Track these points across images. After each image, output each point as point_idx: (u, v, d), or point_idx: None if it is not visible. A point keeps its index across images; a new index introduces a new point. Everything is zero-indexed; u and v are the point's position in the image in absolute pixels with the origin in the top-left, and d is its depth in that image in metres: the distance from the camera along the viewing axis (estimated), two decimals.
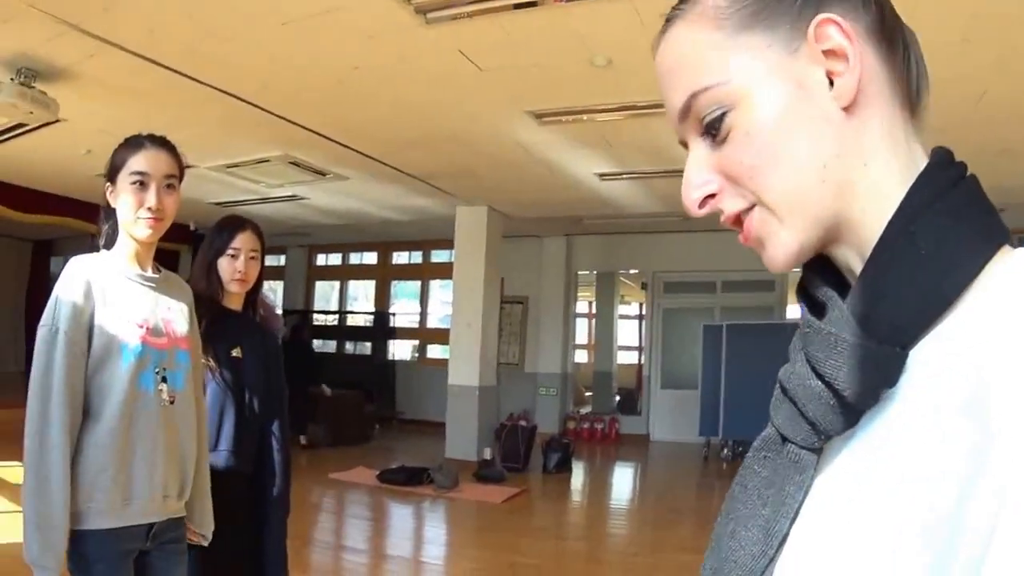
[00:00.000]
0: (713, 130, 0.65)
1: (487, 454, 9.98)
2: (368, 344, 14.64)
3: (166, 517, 2.20)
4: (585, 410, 13.71)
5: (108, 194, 2.18)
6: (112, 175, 2.16)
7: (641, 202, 9.63)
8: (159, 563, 2.21)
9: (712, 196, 0.68)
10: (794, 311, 13.30)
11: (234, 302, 2.80)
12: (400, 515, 7.69)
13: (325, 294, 15.81)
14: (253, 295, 2.89)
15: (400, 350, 14.69)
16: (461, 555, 6.32)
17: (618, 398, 13.79)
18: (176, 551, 2.27)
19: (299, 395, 10.87)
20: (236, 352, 2.74)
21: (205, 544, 2.45)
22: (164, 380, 2.15)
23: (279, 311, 12.34)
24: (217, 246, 2.76)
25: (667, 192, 8.86)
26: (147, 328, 2.14)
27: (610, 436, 12.78)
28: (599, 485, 9.97)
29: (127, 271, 2.17)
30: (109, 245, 2.21)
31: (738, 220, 0.67)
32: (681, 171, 0.70)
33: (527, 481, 9.27)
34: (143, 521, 2.12)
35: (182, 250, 12.37)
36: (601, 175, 8.25)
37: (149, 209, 2.11)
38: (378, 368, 13.99)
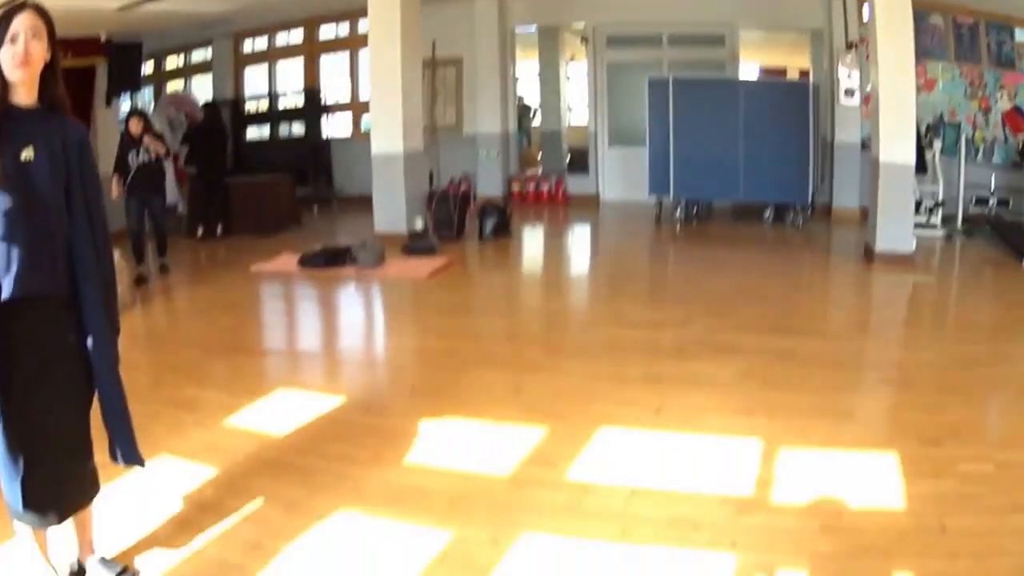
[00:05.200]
0: None
1: (418, 225, 9.44)
2: (300, 125, 13.81)
3: None
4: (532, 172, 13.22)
5: None
6: None
7: None
8: None
9: None
10: (748, 68, 12.75)
11: (24, 96, 2.37)
12: (317, 303, 7.28)
13: (258, 81, 14.69)
14: (48, 83, 2.43)
15: (338, 128, 13.90)
16: (373, 343, 5.92)
17: (568, 158, 13.36)
18: None
19: (215, 185, 10.21)
20: (27, 154, 2.33)
21: None
22: None
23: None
24: None
25: None
26: None
27: (556, 198, 12.37)
28: (539, 251, 9.52)
29: None
30: None
31: None
32: None
33: (461, 250, 8.86)
34: None
35: (98, 63, 10.95)
36: None
37: None
38: (312, 149, 13.32)
